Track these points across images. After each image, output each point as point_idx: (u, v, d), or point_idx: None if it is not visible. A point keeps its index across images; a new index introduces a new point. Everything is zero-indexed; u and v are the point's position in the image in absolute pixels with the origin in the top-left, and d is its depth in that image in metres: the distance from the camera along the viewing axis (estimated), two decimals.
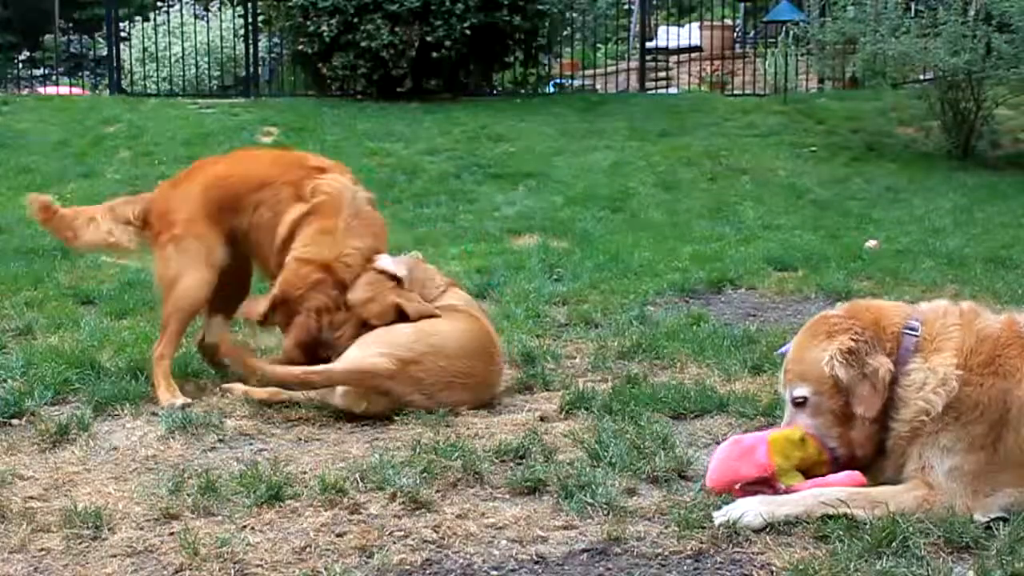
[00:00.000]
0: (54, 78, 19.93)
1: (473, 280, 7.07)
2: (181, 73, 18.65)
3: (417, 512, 3.50)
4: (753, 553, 3.19)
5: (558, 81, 19.50)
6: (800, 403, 3.61)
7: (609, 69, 20.60)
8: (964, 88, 13.69)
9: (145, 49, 19.37)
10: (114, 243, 5.19)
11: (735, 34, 23.05)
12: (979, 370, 3.42)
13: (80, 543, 3.28)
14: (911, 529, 3.21)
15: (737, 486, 3.51)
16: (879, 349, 3.51)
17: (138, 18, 21.24)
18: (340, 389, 4.54)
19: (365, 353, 4.54)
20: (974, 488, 3.35)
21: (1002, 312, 3.71)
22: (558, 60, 19.70)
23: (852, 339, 3.52)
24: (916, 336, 3.52)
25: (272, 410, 4.57)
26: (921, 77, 15.55)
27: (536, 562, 3.18)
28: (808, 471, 3.55)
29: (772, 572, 3.09)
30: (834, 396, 3.53)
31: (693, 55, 21.10)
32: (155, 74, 18.99)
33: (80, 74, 21.37)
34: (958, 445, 3.38)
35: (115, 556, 3.20)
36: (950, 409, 3.40)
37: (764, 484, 3.47)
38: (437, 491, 3.66)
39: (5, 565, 3.15)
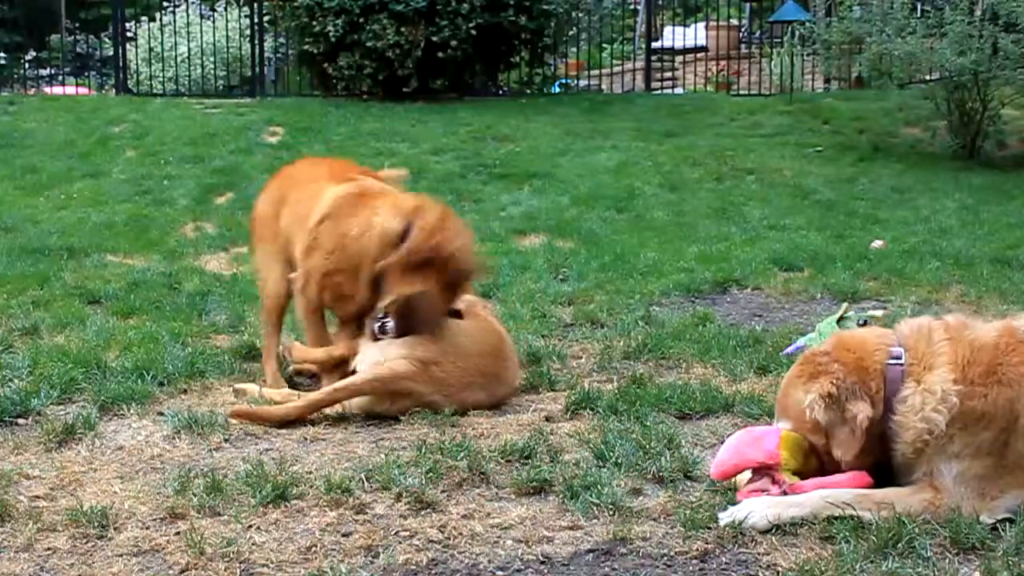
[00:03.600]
0: (60, 78, 19.93)
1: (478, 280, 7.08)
2: (187, 73, 18.66)
3: (423, 512, 3.50)
4: (759, 554, 3.19)
5: (564, 81, 19.48)
6: None
7: (615, 69, 20.60)
8: (970, 88, 13.65)
9: (151, 49, 19.37)
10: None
11: (741, 34, 23.03)
12: (981, 381, 3.40)
13: (86, 542, 3.29)
14: (917, 530, 3.21)
15: (740, 478, 3.52)
16: (861, 394, 3.48)
17: (144, 18, 21.24)
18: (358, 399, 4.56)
19: (386, 356, 4.54)
20: (981, 491, 3.35)
21: (1002, 316, 3.70)
22: (563, 60, 19.69)
23: (832, 383, 3.51)
24: (901, 365, 3.50)
25: None
26: (927, 77, 15.50)
27: (542, 562, 3.18)
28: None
29: (778, 573, 3.09)
30: (815, 434, 3.56)
31: (699, 55, 21.09)
32: (161, 74, 18.99)
33: (86, 74, 21.39)
34: (965, 452, 3.37)
35: (121, 555, 3.21)
36: (955, 422, 3.38)
37: (767, 472, 3.47)
38: (443, 491, 3.66)
39: (11, 564, 3.15)
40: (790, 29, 17.53)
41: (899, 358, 3.52)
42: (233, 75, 19.51)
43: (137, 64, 19.44)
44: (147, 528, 3.39)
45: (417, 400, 4.51)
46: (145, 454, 4.07)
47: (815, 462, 3.57)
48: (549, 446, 4.08)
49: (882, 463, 3.55)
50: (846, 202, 11.24)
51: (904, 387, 3.46)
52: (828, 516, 3.32)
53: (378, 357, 4.57)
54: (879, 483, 3.51)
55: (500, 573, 3.13)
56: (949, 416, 3.38)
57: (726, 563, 3.16)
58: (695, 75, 20.19)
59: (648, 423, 4.31)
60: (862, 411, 3.46)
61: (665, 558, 3.19)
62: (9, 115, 14.82)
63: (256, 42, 17.95)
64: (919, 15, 15.05)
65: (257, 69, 18.00)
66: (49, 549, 3.25)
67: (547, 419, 4.51)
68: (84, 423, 4.29)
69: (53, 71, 20.89)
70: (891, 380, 3.50)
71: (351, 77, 15.91)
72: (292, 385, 5.07)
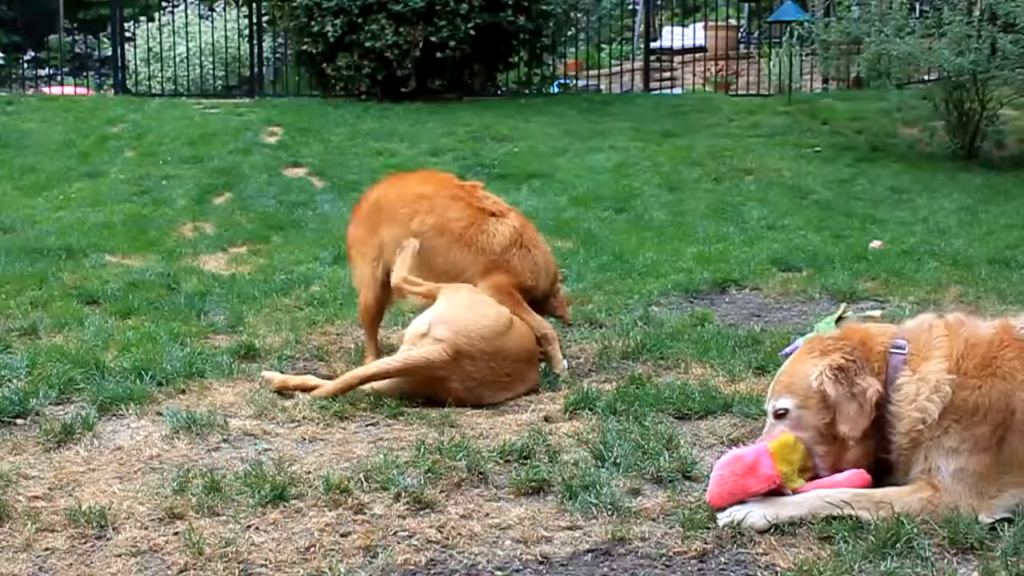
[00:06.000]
0: (59, 78, 19.92)
1: None
2: (186, 73, 18.66)
3: (421, 512, 3.50)
4: (757, 554, 3.19)
5: (562, 81, 19.49)
6: (781, 415, 3.60)
7: (613, 69, 20.61)
8: (969, 88, 13.65)
9: (150, 49, 19.40)
10: None
11: (739, 34, 23.05)
12: (975, 373, 3.42)
13: (85, 543, 3.29)
14: (916, 530, 3.21)
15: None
16: (868, 370, 3.52)
17: (143, 18, 21.28)
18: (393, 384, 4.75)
19: (431, 332, 4.68)
20: (979, 490, 3.35)
21: (1000, 315, 3.71)
22: (562, 60, 19.70)
23: (843, 358, 3.53)
24: (903, 354, 3.54)
25: (276, 410, 4.58)
26: (926, 77, 15.53)
27: (540, 562, 3.18)
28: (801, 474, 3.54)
29: (776, 573, 3.09)
30: (819, 412, 3.53)
31: (697, 55, 21.10)
32: (159, 74, 19.02)
33: (85, 74, 21.39)
34: (962, 447, 3.37)
35: (120, 556, 3.21)
36: (949, 413, 3.39)
37: (774, 494, 3.45)
38: (441, 491, 3.66)
39: (10, 564, 3.15)
40: (789, 29, 17.50)
41: (902, 348, 3.55)
42: (232, 75, 19.54)
43: (136, 64, 19.46)
44: (146, 528, 3.39)
45: (443, 385, 4.64)
46: (144, 454, 4.07)
47: (805, 451, 3.54)
48: (548, 446, 4.08)
49: (880, 459, 3.55)
50: (844, 202, 11.25)
51: (901, 375, 3.49)
52: (827, 516, 3.32)
53: (422, 329, 4.73)
54: (877, 481, 3.51)
55: (499, 573, 3.13)
56: (942, 405, 3.39)
57: (725, 563, 3.16)
58: (694, 75, 20.19)
59: (647, 423, 4.31)
60: (872, 385, 3.47)
61: (664, 558, 3.19)
62: (8, 115, 14.81)
63: (255, 42, 17.95)
64: (917, 15, 15.07)
65: (256, 69, 18.00)
66: (48, 549, 3.25)
67: (546, 419, 4.51)
68: (82, 423, 4.29)
69: (52, 71, 20.89)
70: (892, 367, 3.53)
71: (350, 77, 15.91)
72: None
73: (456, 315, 4.80)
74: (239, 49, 19.35)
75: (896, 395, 3.48)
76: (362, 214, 5.64)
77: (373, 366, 4.81)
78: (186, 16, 20.19)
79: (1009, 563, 3.07)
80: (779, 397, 3.63)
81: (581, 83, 20.08)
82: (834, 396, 3.49)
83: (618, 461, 3.87)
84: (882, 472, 3.55)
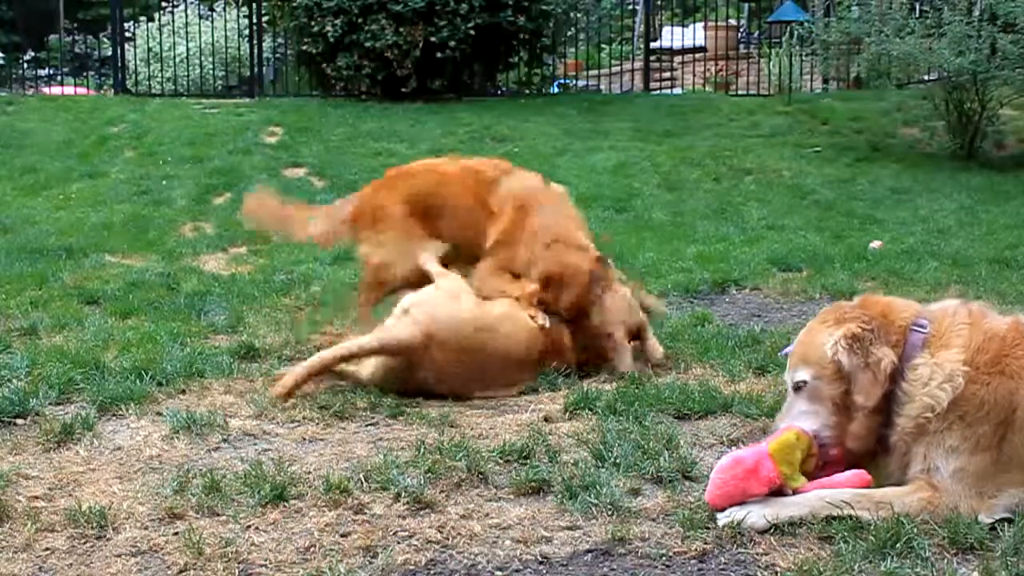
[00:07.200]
0: (59, 78, 19.95)
1: None
2: (186, 73, 18.67)
3: (421, 512, 3.50)
4: (757, 554, 3.19)
5: (562, 81, 19.51)
6: (799, 387, 3.59)
7: (613, 69, 20.62)
8: (968, 89, 13.66)
9: (150, 49, 19.39)
10: None
11: (739, 34, 23.06)
12: (985, 368, 3.41)
13: (85, 543, 3.29)
14: (916, 530, 3.21)
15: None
16: (884, 340, 3.50)
17: (143, 18, 21.27)
18: (368, 369, 4.78)
19: (413, 313, 4.73)
20: (979, 489, 3.35)
21: (1002, 315, 3.70)
22: (562, 60, 19.71)
23: (859, 327, 3.51)
24: (924, 333, 3.51)
25: (276, 410, 4.58)
26: (925, 77, 15.54)
27: (540, 562, 3.18)
28: (802, 467, 3.53)
29: (776, 573, 3.09)
30: (834, 382, 3.52)
31: (697, 55, 21.10)
32: (160, 74, 19.01)
33: (85, 74, 21.40)
34: (963, 446, 3.37)
35: (120, 556, 3.21)
36: (955, 407, 3.39)
37: (774, 494, 3.45)
38: (441, 491, 3.66)
39: (10, 564, 3.15)
40: (789, 29, 17.54)
41: (923, 327, 3.53)
42: (232, 75, 19.53)
43: (136, 64, 19.46)
44: (145, 528, 3.39)
45: (413, 375, 4.67)
46: (143, 454, 4.07)
47: (807, 443, 3.53)
48: (548, 446, 4.08)
49: (880, 435, 3.53)
50: (844, 202, 11.25)
51: (919, 356, 3.47)
52: (827, 516, 3.32)
53: (405, 305, 4.80)
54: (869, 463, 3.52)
55: (499, 573, 3.13)
56: (953, 396, 3.38)
57: (725, 563, 3.16)
58: (694, 75, 20.19)
59: (647, 423, 4.30)
60: (887, 355, 3.45)
61: (664, 558, 3.18)
62: (8, 115, 14.82)
63: (255, 42, 17.96)
64: (917, 15, 15.08)
65: (256, 69, 18.01)
66: (48, 549, 3.25)
67: (546, 419, 4.50)
68: (82, 423, 4.29)
69: (52, 71, 20.91)
70: (911, 344, 3.50)
71: (350, 77, 15.93)
72: None
73: (435, 301, 4.85)
74: (239, 49, 19.35)
75: (911, 374, 3.46)
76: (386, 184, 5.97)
77: (346, 345, 4.80)
78: (186, 16, 20.19)
79: (1009, 563, 3.07)
80: (796, 369, 3.61)
81: (581, 83, 20.10)
82: (848, 366, 3.47)
83: (618, 461, 3.87)
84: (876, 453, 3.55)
